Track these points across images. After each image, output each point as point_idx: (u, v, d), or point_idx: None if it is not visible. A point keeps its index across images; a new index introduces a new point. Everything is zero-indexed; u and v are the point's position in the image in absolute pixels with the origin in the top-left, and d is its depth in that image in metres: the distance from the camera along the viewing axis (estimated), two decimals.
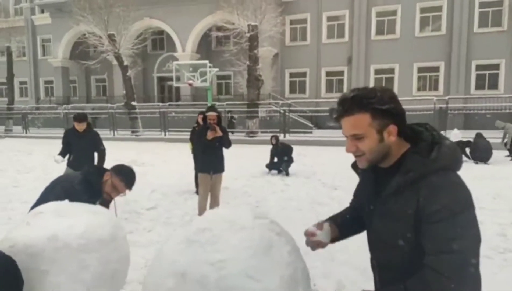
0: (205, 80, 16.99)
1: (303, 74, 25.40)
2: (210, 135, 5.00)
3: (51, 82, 30.97)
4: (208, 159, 5.20)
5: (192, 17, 23.94)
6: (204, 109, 7.28)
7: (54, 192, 2.34)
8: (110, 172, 2.58)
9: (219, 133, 5.06)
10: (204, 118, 5.20)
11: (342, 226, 1.52)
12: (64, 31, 27.45)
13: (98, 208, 1.77)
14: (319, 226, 1.46)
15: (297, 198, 6.64)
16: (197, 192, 6.78)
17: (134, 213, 6.02)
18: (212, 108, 5.26)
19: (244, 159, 11.89)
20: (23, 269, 1.41)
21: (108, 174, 2.58)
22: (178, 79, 18.36)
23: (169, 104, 22.34)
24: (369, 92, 1.22)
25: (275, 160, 9.64)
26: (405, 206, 1.20)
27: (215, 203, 5.33)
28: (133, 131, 19.99)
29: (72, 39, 28.06)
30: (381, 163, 1.30)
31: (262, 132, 18.08)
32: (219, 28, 22.07)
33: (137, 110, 20.35)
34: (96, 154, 5.59)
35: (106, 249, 1.60)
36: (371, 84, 23.84)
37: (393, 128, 1.23)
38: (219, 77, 26.52)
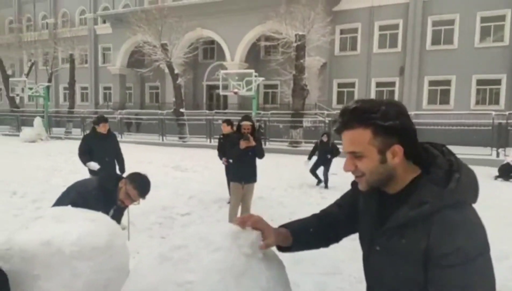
0: (250, 89, 17.14)
1: (352, 85, 24.83)
2: (243, 144, 4.97)
3: (109, 88, 32.91)
4: (241, 169, 5.16)
5: (242, 27, 24.37)
6: (228, 118, 7.39)
7: (70, 197, 2.40)
8: (125, 180, 2.62)
9: (253, 143, 5.02)
10: (238, 128, 5.19)
11: (299, 236, 1.30)
12: (123, 41, 29.09)
13: (98, 215, 1.77)
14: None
15: None
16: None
17: (169, 218, 6.14)
18: (247, 117, 5.24)
19: (284, 169, 11.78)
20: (17, 272, 1.44)
21: (123, 181, 2.62)
22: (225, 87, 18.72)
23: (216, 112, 22.82)
24: (372, 105, 1.07)
25: (316, 156, 9.35)
26: (412, 243, 1.04)
27: (246, 213, 5.27)
28: (180, 137, 20.59)
29: (130, 48, 29.66)
30: (385, 186, 1.15)
31: (305, 142, 17.84)
32: (267, 38, 22.26)
33: (185, 117, 20.95)
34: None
35: (101, 257, 1.59)
36: (425, 96, 22.79)
37: (398, 148, 1.07)
38: (266, 87, 26.69)
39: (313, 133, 19.13)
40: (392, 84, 23.76)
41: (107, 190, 2.55)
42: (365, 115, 1.06)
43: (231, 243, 1.17)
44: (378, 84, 24.20)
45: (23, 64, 32.71)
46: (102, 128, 5.45)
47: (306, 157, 9.82)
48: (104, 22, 32.68)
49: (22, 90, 24.26)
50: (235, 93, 17.91)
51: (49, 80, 27.60)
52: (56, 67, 29.77)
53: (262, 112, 20.23)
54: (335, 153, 9.21)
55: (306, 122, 19.20)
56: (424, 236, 1.02)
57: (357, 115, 1.08)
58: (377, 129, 1.06)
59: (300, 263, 4.36)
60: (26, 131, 21.25)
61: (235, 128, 6.83)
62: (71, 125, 24.64)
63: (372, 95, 24.23)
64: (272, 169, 11.37)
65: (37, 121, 21.67)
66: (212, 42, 28.02)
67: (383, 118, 1.05)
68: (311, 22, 18.18)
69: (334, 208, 1.40)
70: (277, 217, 6.30)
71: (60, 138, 22.96)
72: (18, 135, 21.57)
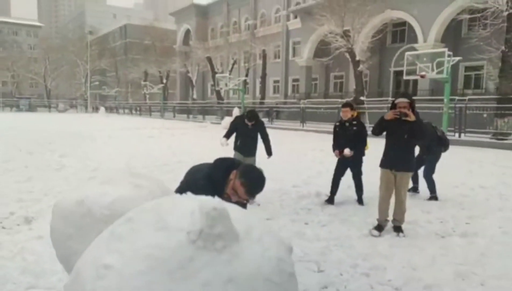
0: (441, 72, 14.84)
1: None
2: (390, 115, 4.23)
3: (297, 80, 34.66)
4: (392, 153, 4.38)
5: (437, 3, 21.40)
6: (349, 101, 6.31)
7: (180, 185, 2.30)
8: (236, 172, 2.28)
9: (412, 117, 4.18)
10: (393, 107, 4.40)
11: None
12: (310, 33, 30.00)
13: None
14: None
15: None
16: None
17: (319, 206, 5.83)
18: (403, 94, 4.41)
19: (478, 165, 9.71)
20: (54, 229, 1.45)
21: (234, 173, 2.29)
22: (412, 72, 16.81)
23: None
24: None
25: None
26: None
27: (399, 209, 4.47)
28: None
29: (316, 39, 30.33)
30: None
31: None
32: (471, 11, 18.83)
33: (365, 105, 20.00)
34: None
35: None
36: None
37: None
38: (467, 69, 22.83)
39: None
40: None
41: (214, 180, 2.27)
42: None
43: (187, 224, 0.82)
44: None
45: (228, 62, 37.87)
46: (247, 122, 5.79)
47: None
48: (296, 17, 34.44)
49: (226, 84, 28.14)
50: (422, 77, 15.86)
51: (246, 75, 31.04)
52: (253, 63, 33.22)
53: (456, 98, 17.29)
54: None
55: None
56: None
57: None
58: None
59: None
60: (226, 119, 24.52)
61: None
62: (260, 115, 27.09)
63: None
64: (461, 164, 9.57)
65: (235, 111, 24.77)
66: (403, 24, 25.71)
67: None
68: None
69: None
70: (448, 219, 5.17)
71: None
72: (220, 123, 25.17)
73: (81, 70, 56.47)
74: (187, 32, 48.58)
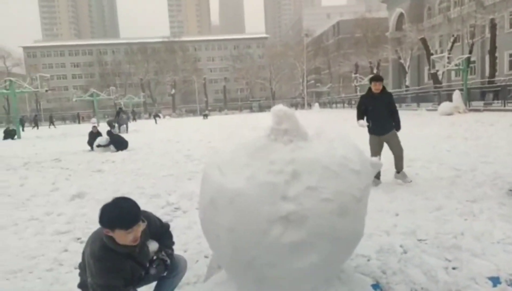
0: None
1: None
2: None
3: None
4: None
5: None
6: None
7: None
8: None
9: None
10: None
11: None
12: None
13: None
14: None
15: None
16: None
17: None
18: None
19: None
20: None
21: None
22: None
23: None
24: None
25: None
26: None
27: None
28: None
29: None
30: None
31: None
32: None
33: None
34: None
35: None
36: None
37: None
38: None
39: None
40: None
41: None
42: None
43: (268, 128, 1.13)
44: None
45: (448, 40, 33.75)
46: (374, 87, 5.50)
47: None
48: None
49: (444, 66, 25.27)
50: None
51: (470, 52, 26.91)
52: (480, 37, 28.42)
53: None
54: None
55: None
56: None
57: None
58: None
59: None
60: (444, 105, 22.10)
61: None
62: (490, 96, 22.98)
63: None
64: None
65: (456, 94, 21.91)
66: None
67: None
68: None
69: None
70: None
71: (478, 110, 22.10)
72: (437, 109, 22.83)
73: (299, 71, 62.16)
74: (400, 16, 46.07)
